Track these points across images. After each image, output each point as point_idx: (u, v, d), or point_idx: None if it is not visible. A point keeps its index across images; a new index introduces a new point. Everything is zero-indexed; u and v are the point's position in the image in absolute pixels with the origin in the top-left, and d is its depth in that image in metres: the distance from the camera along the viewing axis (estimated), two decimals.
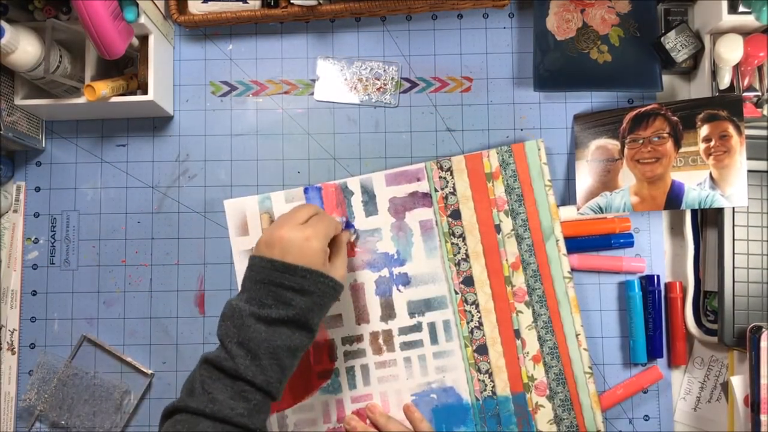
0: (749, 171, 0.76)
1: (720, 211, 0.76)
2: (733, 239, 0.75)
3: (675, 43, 0.78)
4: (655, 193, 0.77)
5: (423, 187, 0.79)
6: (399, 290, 0.78)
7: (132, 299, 0.81)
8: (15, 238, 0.82)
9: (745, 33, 0.76)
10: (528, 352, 0.77)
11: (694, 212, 0.79)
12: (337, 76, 0.83)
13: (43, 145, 0.83)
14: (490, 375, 0.77)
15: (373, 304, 0.78)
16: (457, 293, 0.78)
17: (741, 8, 0.74)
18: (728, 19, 0.74)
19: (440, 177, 0.79)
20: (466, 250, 0.78)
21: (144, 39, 0.78)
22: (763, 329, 0.70)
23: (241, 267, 0.79)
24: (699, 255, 0.79)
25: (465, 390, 0.77)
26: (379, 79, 0.83)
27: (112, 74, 0.80)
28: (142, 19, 0.75)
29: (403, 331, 0.78)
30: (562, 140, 0.82)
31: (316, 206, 0.71)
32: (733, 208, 0.76)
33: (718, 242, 0.76)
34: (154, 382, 0.80)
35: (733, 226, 0.76)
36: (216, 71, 0.84)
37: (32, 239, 0.83)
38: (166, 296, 0.81)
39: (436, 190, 0.79)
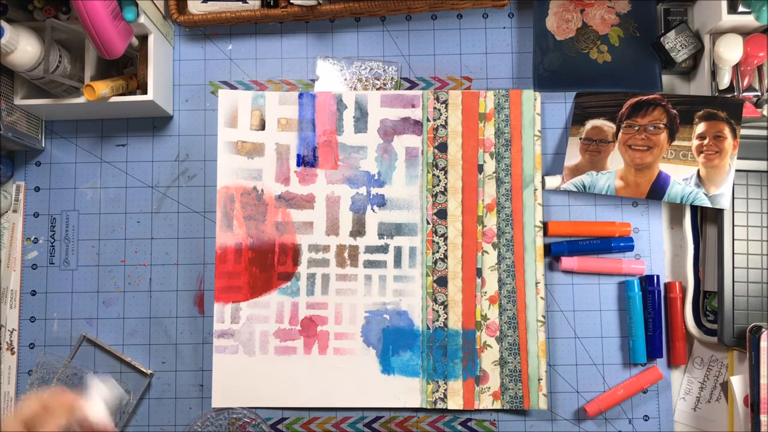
0: (749, 171, 0.76)
1: (720, 211, 0.76)
2: (733, 239, 0.75)
3: (675, 43, 0.78)
4: (641, 180, 0.78)
5: (416, 114, 0.81)
6: (373, 210, 0.80)
7: (131, 299, 0.81)
8: (14, 237, 0.82)
9: (745, 33, 0.76)
10: (486, 292, 0.78)
11: (693, 212, 0.79)
12: (337, 76, 0.83)
13: (43, 145, 0.83)
14: (445, 307, 0.79)
15: (345, 219, 0.80)
16: (428, 223, 0.80)
17: (741, 8, 0.74)
18: (728, 19, 0.75)
19: (435, 108, 0.80)
20: (446, 183, 0.80)
21: (144, 39, 0.78)
22: (763, 329, 0.70)
23: (224, 158, 0.80)
24: (699, 255, 0.79)
25: (418, 317, 0.79)
26: (378, 79, 0.83)
27: (111, 74, 0.81)
28: (142, 19, 0.75)
29: (370, 249, 0.80)
30: (561, 140, 0.82)
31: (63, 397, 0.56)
32: (733, 208, 0.76)
33: (718, 242, 0.76)
34: (154, 381, 0.80)
35: (733, 226, 0.76)
36: (216, 71, 0.84)
37: (32, 239, 0.82)
38: (165, 296, 0.81)
39: (428, 120, 0.80)
